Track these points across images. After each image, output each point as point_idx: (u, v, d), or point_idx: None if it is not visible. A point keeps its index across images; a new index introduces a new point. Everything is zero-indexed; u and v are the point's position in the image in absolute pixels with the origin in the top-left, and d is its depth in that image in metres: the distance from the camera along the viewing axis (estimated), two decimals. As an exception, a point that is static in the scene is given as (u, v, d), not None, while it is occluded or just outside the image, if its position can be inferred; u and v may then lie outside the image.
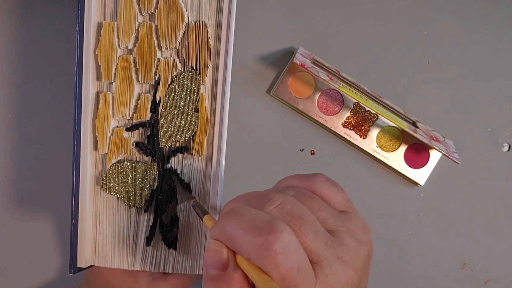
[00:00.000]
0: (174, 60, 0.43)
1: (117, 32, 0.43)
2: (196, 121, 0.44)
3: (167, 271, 0.45)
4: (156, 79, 0.43)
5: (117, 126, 0.44)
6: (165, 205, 0.44)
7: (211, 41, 0.43)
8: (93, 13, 0.43)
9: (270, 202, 0.30)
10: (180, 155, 0.45)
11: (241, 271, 0.29)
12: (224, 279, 0.29)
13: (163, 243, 0.45)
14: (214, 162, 0.44)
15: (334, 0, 0.57)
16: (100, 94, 0.43)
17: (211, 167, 0.44)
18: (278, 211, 0.30)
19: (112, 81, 0.43)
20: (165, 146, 0.44)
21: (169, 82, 0.43)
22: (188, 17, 0.43)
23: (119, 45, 0.43)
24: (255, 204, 0.31)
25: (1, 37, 0.55)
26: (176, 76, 0.43)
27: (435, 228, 0.58)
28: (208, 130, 0.44)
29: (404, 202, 0.58)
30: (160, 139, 0.44)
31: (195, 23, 0.43)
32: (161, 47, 0.43)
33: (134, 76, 0.43)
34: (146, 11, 0.43)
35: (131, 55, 0.43)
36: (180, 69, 0.43)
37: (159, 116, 0.43)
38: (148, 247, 0.45)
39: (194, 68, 0.43)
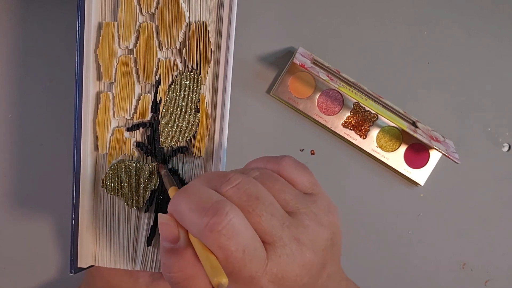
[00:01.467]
0: (174, 60, 0.43)
1: (118, 32, 0.43)
2: (197, 121, 0.44)
3: None
4: (157, 79, 0.43)
5: (117, 126, 0.44)
6: (166, 205, 0.44)
7: (212, 41, 0.43)
8: (94, 13, 0.43)
9: (227, 182, 0.30)
10: (180, 155, 0.45)
11: (193, 247, 0.29)
12: (176, 252, 0.29)
13: None
14: (214, 162, 0.44)
15: (334, 0, 0.57)
16: (101, 94, 0.43)
17: (212, 167, 0.44)
18: (234, 191, 0.30)
19: (113, 81, 0.43)
20: (165, 146, 0.44)
21: (169, 82, 0.43)
22: (189, 17, 0.43)
23: (119, 45, 0.43)
24: (213, 183, 0.31)
25: (1, 37, 0.55)
26: (176, 76, 0.43)
27: (435, 228, 0.58)
28: (208, 130, 0.44)
29: (404, 202, 0.58)
30: (160, 139, 0.44)
31: (195, 23, 0.43)
32: (162, 47, 0.43)
33: (134, 76, 0.43)
34: (146, 11, 0.43)
35: (131, 55, 0.43)
36: (180, 69, 0.43)
37: (159, 116, 0.43)
38: (149, 247, 0.45)
39: (195, 68, 0.43)
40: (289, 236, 0.29)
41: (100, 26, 0.43)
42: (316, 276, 0.31)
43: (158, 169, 0.44)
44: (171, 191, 0.37)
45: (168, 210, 0.31)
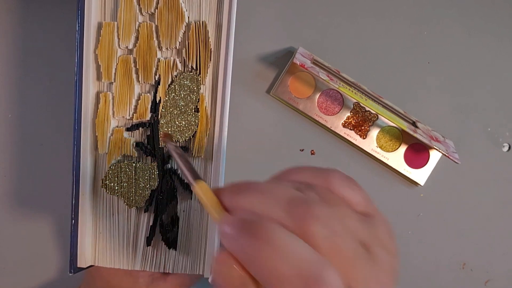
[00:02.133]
0: (174, 60, 0.43)
1: (117, 32, 0.43)
2: (196, 121, 0.44)
3: (167, 271, 0.45)
4: (156, 79, 0.43)
5: (117, 126, 0.44)
6: (165, 205, 0.44)
7: (212, 41, 0.43)
8: (93, 13, 0.43)
9: (311, 220, 0.24)
10: None
11: None
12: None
13: (163, 243, 0.45)
14: (214, 162, 0.44)
15: (334, 0, 0.57)
16: (100, 94, 0.43)
17: (211, 167, 0.44)
18: (325, 240, 0.24)
19: (112, 81, 0.43)
20: (165, 146, 0.44)
21: (169, 82, 0.43)
22: (188, 17, 0.43)
23: (119, 45, 0.43)
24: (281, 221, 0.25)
25: (1, 37, 0.55)
26: (176, 76, 0.43)
27: (435, 228, 0.58)
28: (208, 130, 0.44)
29: (404, 202, 0.58)
30: (160, 139, 0.44)
31: (195, 23, 0.43)
32: (161, 47, 0.43)
33: (134, 76, 0.43)
34: (146, 11, 0.43)
35: (131, 55, 0.43)
36: (180, 69, 0.43)
37: (159, 116, 0.43)
38: (148, 247, 0.45)
39: (194, 68, 0.43)
40: (373, 278, 0.25)
41: (99, 26, 0.43)
42: None
43: (166, 143, 0.41)
44: (202, 187, 0.29)
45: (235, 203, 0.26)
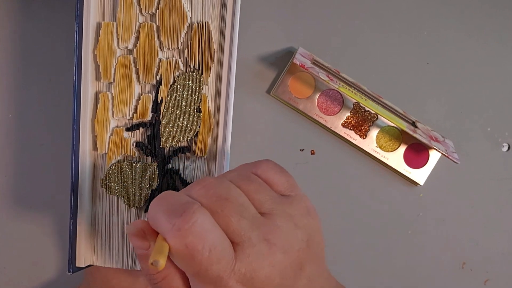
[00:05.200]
0: (176, 60, 0.43)
1: (117, 32, 0.43)
2: (198, 121, 0.44)
3: None
4: (158, 79, 0.43)
5: (117, 126, 0.44)
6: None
7: (215, 41, 0.43)
8: (92, 13, 0.43)
9: (198, 183, 0.31)
10: (182, 155, 0.45)
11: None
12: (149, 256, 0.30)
13: None
14: (218, 162, 0.44)
15: (334, 0, 0.57)
16: (100, 94, 0.43)
17: (215, 167, 0.44)
18: (202, 192, 0.30)
19: (112, 81, 0.43)
20: (166, 146, 0.44)
21: (171, 82, 0.43)
22: (191, 18, 0.43)
23: (118, 45, 0.43)
24: (185, 188, 0.32)
25: (1, 37, 0.55)
26: (178, 76, 0.43)
27: (435, 228, 0.58)
28: (211, 130, 0.44)
29: (404, 202, 0.58)
30: (161, 139, 0.44)
31: (198, 24, 0.43)
32: (163, 47, 0.43)
33: (134, 76, 0.43)
34: (147, 12, 0.43)
35: (131, 55, 0.43)
36: (182, 69, 0.43)
37: (160, 116, 0.43)
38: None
39: (197, 68, 0.43)
40: (259, 236, 0.29)
41: (98, 26, 0.43)
42: (291, 277, 0.31)
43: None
44: None
45: (147, 216, 0.32)
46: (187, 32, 0.43)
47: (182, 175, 0.45)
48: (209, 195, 0.30)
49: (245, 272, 0.29)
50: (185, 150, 0.44)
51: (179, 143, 0.44)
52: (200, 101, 0.44)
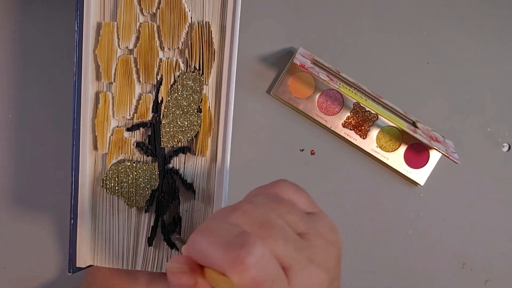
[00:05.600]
0: (177, 60, 0.43)
1: (117, 32, 0.43)
2: (199, 121, 0.44)
3: None
4: (158, 79, 0.43)
5: (117, 126, 0.44)
6: (167, 205, 0.44)
7: (215, 41, 0.43)
8: (92, 13, 0.42)
9: (235, 211, 0.30)
10: (182, 155, 0.45)
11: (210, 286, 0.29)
12: None
13: (166, 243, 0.45)
14: (219, 162, 0.44)
15: (334, 0, 0.57)
16: (100, 94, 0.43)
17: (216, 167, 0.44)
18: (244, 218, 0.29)
19: (112, 81, 0.43)
20: (167, 146, 0.44)
21: (171, 82, 0.43)
22: (191, 18, 0.43)
23: (119, 45, 0.43)
24: (222, 216, 0.30)
25: (1, 37, 0.55)
26: (179, 76, 0.43)
27: (435, 228, 0.58)
28: (212, 130, 0.44)
29: (404, 202, 0.58)
30: (162, 139, 0.44)
31: (198, 24, 0.43)
32: (163, 47, 0.43)
33: (135, 76, 0.43)
34: (147, 11, 0.43)
35: (131, 55, 0.43)
36: (183, 69, 0.43)
37: (161, 116, 0.43)
38: (150, 247, 0.45)
39: (197, 68, 0.43)
40: (305, 258, 0.29)
41: (99, 26, 0.43)
42: None
43: (172, 238, 0.44)
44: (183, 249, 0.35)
45: (185, 252, 0.30)
46: (187, 32, 0.43)
47: (182, 175, 0.45)
48: (251, 222, 0.29)
49: None
50: (186, 150, 0.44)
51: (180, 143, 0.44)
52: (201, 101, 0.44)
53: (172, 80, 0.43)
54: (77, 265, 0.45)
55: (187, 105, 0.43)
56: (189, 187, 0.45)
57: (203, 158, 0.45)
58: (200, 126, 0.44)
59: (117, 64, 0.43)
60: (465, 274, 0.59)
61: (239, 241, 0.27)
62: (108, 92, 0.43)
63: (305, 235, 0.31)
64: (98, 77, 0.43)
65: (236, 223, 0.29)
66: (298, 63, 0.50)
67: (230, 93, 0.43)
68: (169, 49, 0.43)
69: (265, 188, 0.34)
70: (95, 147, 0.44)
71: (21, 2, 0.54)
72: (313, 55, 0.56)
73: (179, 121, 0.44)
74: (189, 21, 0.43)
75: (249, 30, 0.56)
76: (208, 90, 0.44)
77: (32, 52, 0.55)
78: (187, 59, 0.43)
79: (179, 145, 0.44)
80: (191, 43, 0.43)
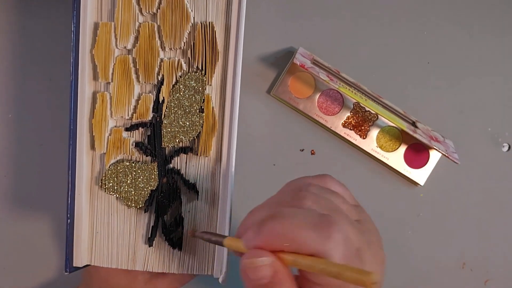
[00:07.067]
0: (179, 60, 0.43)
1: (115, 32, 0.43)
2: (201, 121, 0.43)
3: (171, 272, 0.45)
4: (159, 79, 0.43)
5: (115, 126, 0.44)
6: (167, 205, 0.44)
7: (219, 42, 0.43)
8: (89, 13, 0.42)
9: (304, 199, 0.31)
10: (183, 155, 0.44)
11: (288, 269, 0.30)
12: (276, 282, 0.29)
13: (167, 243, 0.45)
14: (224, 163, 0.44)
15: (334, 0, 0.57)
16: (97, 94, 0.43)
17: (220, 167, 0.44)
18: (316, 205, 0.31)
19: (110, 81, 0.43)
20: (168, 146, 0.44)
21: (173, 83, 0.43)
22: (194, 18, 0.43)
23: (116, 45, 0.43)
24: (289, 205, 0.32)
25: (1, 37, 0.55)
26: (181, 76, 0.43)
27: (435, 228, 0.58)
28: (216, 130, 0.44)
29: (404, 202, 0.58)
30: (163, 139, 0.44)
31: (201, 24, 0.42)
32: (165, 47, 0.43)
33: (134, 76, 0.43)
34: (147, 11, 0.43)
35: (130, 55, 0.43)
36: (185, 69, 0.43)
37: (162, 116, 0.43)
38: (150, 247, 0.45)
39: (200, 68, 0.43)
40: (367, 240, 0.31)
41: (96, 26, 0.43)
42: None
43: (192, 235, 0.43)
44: (230, 241, 0.34)
45: (254, 245, 0.30)
46: (190, 32, 0.43)
47: (184, 175, 0.44)
48: (323, 208, 0.31)
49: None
50: (187, 150, 0.44)
51: (181, 143, 0.44)
52: (203, 101, 0.43)
53: (174, 80, 0.43)
54: (74, 265, 0.45)
55: (189, 105, 0.43)
56: (192, 187, 0.44)
57: (206, 158, 0.44)
58: (202, 127, 0.44)
59: (115, 64, 0.43)
60: (465, 274, 0.59)
61: (325, 220, 0.28)
62: (106, 92, 0.43)
63: (360, 221, 0.34)
64: (95, 77, 0.43)
65: (311, 209, 0.31)
66: (298, 63, 0.50)
67: (236, 93, 0.43)
68: (170, 49, 0.43)
69: (313, 180, 0.35)
70: (93, 147, 0.44)
71: (21, 2, 0.55)
72: (313, 55, 0.56)
73: (181, 121, 0.43)
74: (192, 21, 0.43)
75: (249, 30, 0.56)
76: (212, 90, 0.44)
77: (32, 52, 0.55)
78: (189, 59, 0.43)
79: (181, 145, 0.44)
80: (193, 43, 0.43)
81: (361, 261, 0.29)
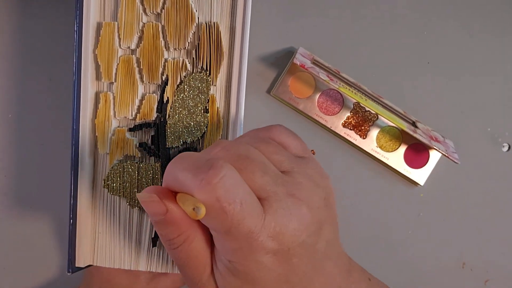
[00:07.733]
0: (183, 60, 0.43)
1: (118, 32, 0.43)
2: (206, 121, 0.43)
3: (175, 272, 0.45)
4: (164, 79, 0.43)
5: (119, 126, 0.44)
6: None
7: (224, 42, 0.43)
8: (92, 13, 0.42)
9: (215, 146, 0.31)
10: None
11: (183, 211, 0.30)
12: (168, 221, 0.30)
13: None
14: None
15: (334, 0, 0.57)
16: (100, 94, 0.43)
17: None
18: (223, 152, 0.30)
19: (113, 81, 0.43)
20: (172, 146, 0.44)
21: (178, 83, 0.43)
22: (199, 18, 0.43)
23: (120, 45, 0.43)
24: (205, 151, 0.32)
25: (1, 37, 0.54)
26: (185, 76, 0.43)
27: (435, 228, 0.58)
28: (220, 130, 0.44)
29: (404, 202, 0.58)
30: (167, 139, 0.43)
31: (206, 24, 0.42)
32: (169, 48, 0.43)
33: (137, 76, 0.43)
34: (151, 11, 0.42)
35: (133, 55, 0.43)
36: (189, 69, 0.43)
37: (166, 117, 0.43)
38: (154, 247, 0.45)
39: (205, 68, 0.43)
40: (284, 191, 0.29)
41: (99, 26, 0.43)
42: (314, 235, 0.30)
43: None
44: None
45: (163, 179, 0.31)
46: (194, 32, 0.43)
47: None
48: (229, 155, 0.30)
49: (275, 226, 0.28)
50: (192, 150, 0.44)
51: (186, 144, 0.44)
52: (207, 102, 0.43)
53: (179, 81, 0.43)
54: (76, 265, 0.44)
55: (194, 105, 0.43)
56: None
57: None
58: (207, 127, 0.44)
59: (118, 64, 0.43)
60: (465, 274, 0.59)
61: (208, 164, 0.27)
62: (109, 92, 0.43)
63: (289, 173, 0.31)
64: (98, 77, 0.43)
65: (214, 156, 0.30)
66: (298, 63, 0.50)
67: (241, 93, 0.43)
68: (175, 49, 0.43)
69: (258, 130, 0.35)
70: (95, 147, 0.44)
71: (21, 2, 0.54)
72: (313, 55, 0.56)
73: (185, 122, 0.43)
74: (196, 21, 0.43)
75: (250, 30, 0.56)
76: (216, 91, 0.44)
77: (32, 51, 0.55)
78: (194, 60, 0.43)
79: (185, 146, 0.44)
80: (198, 43, 0.43)
81: (258, 209, 0.28)
